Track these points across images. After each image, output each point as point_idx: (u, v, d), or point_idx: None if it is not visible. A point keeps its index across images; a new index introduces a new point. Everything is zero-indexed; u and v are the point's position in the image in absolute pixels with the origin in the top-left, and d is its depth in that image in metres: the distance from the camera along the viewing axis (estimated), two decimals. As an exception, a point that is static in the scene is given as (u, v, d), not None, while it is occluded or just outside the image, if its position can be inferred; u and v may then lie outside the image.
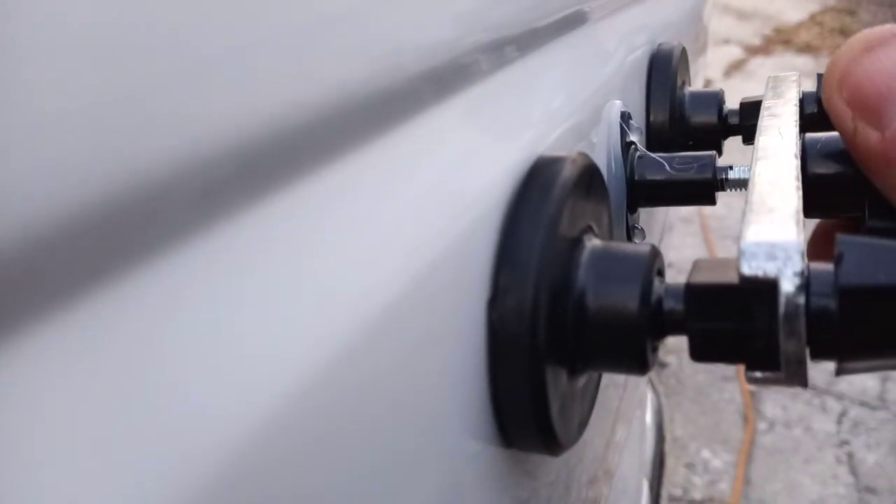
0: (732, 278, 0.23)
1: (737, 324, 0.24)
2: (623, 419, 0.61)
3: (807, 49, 4.20)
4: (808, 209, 0.34)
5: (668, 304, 0.25)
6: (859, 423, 1.83)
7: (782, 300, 0.22)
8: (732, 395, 1.90)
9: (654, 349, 0.26)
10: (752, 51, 4.20)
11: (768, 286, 0.22)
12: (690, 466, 1.74)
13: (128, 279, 0.14)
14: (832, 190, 0.33)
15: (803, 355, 0.23)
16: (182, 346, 0.14)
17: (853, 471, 1.71)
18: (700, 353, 0.25)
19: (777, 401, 1.89)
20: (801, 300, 0.22)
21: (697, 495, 1.67)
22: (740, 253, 0.23)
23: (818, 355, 0.23)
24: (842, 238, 0.23)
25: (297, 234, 0.18)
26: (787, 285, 0.22)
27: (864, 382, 1.93)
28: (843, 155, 0.33)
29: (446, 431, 0.23)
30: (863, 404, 1.88)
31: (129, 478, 0.13)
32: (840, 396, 1.90)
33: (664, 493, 1.14)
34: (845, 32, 4.37)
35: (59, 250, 0.12)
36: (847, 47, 0.28)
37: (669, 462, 1.71)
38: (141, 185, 0.14)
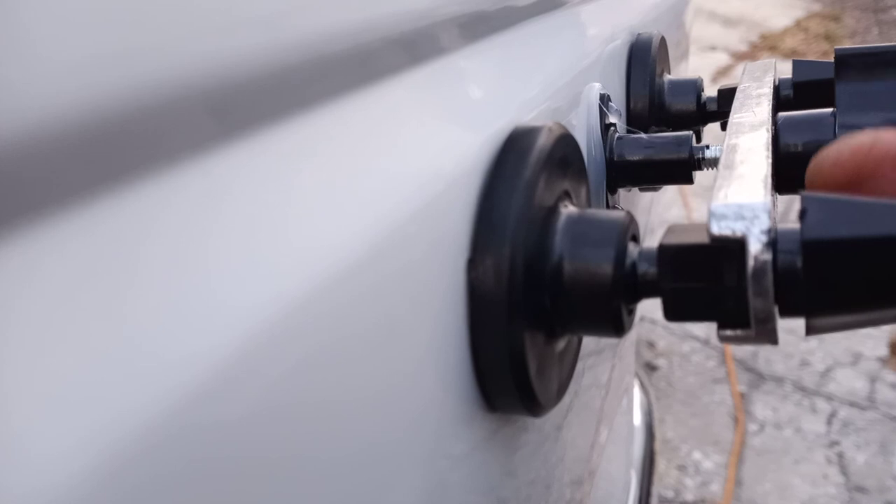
0: (703, 239, 0.24)
1: (708, 283, 0.24)
2: (606, 420, 0.62)
3: (793, 55, 4.23)
4: (781, 185, 0.35)
5: (642, 267, 0.26)
6: (849, 423, 1.83)
7: (750, 258, 0.23)
8: (723, 397, 1.91)
9: (630, 311, 0.27)
10: (739, 57, 4.23)
11: (737, 245, 0.23)
12: (682, 468, 1.74)
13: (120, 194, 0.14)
14: (805, 165, 0.34)
15: (772, 312, 0.24)
16: (150, 287, 0.15)
17: (843, 471, 1.72)
18: (673, 312, 0.25)
19: (767, 402, 1.89)
20: (769, 257, 0.23)
21: (689, 497, 1.68)
22: (710, 214, 0.23)
23: (786, 312, 0.24)
24: (806, 194, 0.23)
25: (278, 183, 0.18)
26: (755, 243, 0.23)
27: (853, 383, 1.94)
28: (814, 132, 0.34)
29: (429, 393, 0.23)
30: (852, 405, 1.88)
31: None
32: (830, 397, 1.91)
33: (655, 494, 1.14)
34: (830, 38, 4.41)
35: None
36: None
37: (661, 464, 1.71)
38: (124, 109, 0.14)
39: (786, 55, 4.20)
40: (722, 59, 4.19)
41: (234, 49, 0.16)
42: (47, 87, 0.12)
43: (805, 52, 4.25)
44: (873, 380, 1.96)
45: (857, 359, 2.02)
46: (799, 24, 4.74)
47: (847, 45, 4.26)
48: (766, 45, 4.43)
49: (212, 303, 0.15)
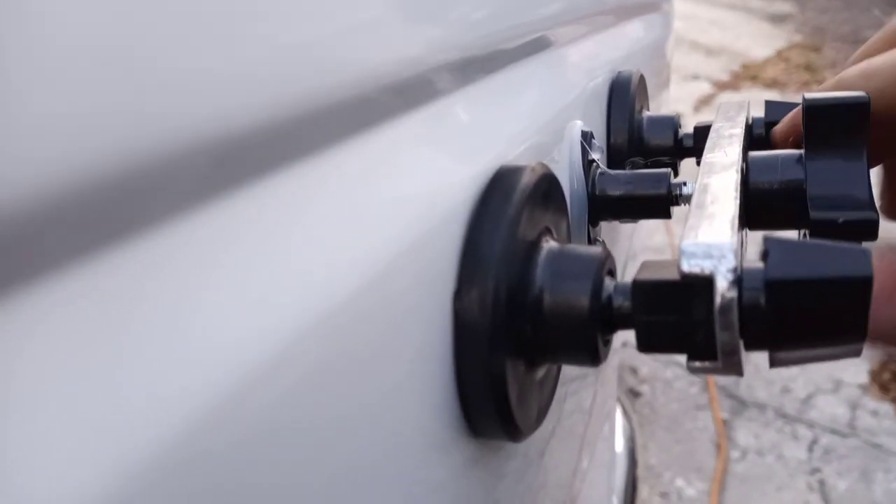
0: (674, 275, 0.26)
1: (678, 317, 0.26)
2: (588, 446, 0.62)
3: (773, 84, 4.30)
4: (752, 222, 0.36)
5: (617, 301, 0.28)
6: (830, 450, 1.84)
7: (717, 294, 0.24)
8: (705, 423, 1.92)
9: (606, 342, 0.28)
10: (721, 86, 4.30)
11: (705, 282, 0.25)
12: (665, 495, 1.75)
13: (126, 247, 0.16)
14: (773, 203, 0.36)
15: (737, 346, 0.25)
16: (150, 326, 0.16)
17: (825, 497, 1.73)
18: (646, 344, 0.27)
19: (749, 429, 1.91)
20: (734, 294, 0.24)
21: (672, 523, 1.68)
22: (680, 252, 0.25)
23: (751, 346, 0.26)
24: (769, 238, 0.25)
25: (277, 225, 0.20)
26: (722, 281, 0.24)
27: (835, 410, 1.96)
28: (781, 173, 0.36)
29: (415, 418, 0.24)
30: (833, 432, 1.90)
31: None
32: (811, 424, 1.92)
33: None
34: (811, 68, 4.48)
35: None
36: None
37: (644, 491, 1.72)
38: (133, 170, 0.15)
39: (767, 85, 4.27)
40: (704, 87, 4.25)
41: (228, 112, 0.18)
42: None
43: (786, 81, 4.32)
44: (854, 407, 1.97)
45: (837, 386, 2.04)
46: (780, 55, 4.82)
47: (827, 75, 4.33)
48: (748, 74, 4.50)
49: (212, 337, 0.16)
